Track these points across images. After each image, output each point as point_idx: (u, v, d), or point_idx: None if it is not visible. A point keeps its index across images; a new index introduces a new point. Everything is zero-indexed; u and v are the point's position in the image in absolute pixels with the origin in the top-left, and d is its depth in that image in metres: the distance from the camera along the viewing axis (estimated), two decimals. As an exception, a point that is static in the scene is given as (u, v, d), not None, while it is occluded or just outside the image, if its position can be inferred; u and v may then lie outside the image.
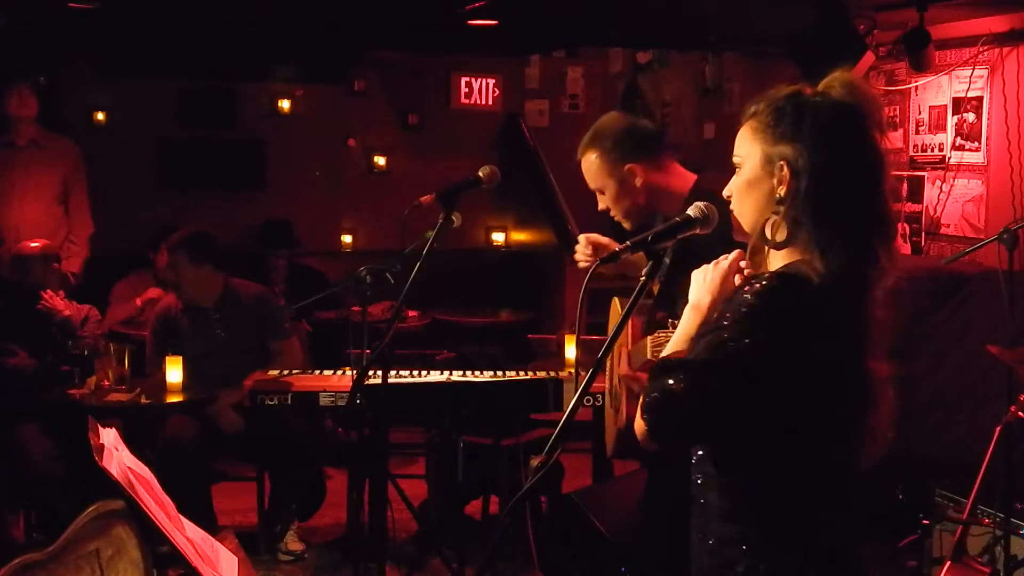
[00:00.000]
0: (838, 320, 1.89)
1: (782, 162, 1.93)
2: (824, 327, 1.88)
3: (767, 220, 1.96)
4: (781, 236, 1.94)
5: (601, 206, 3.21)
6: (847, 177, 1.91)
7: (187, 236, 5.22)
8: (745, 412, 1.88)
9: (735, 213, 2.03)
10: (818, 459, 1.95)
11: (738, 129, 2.04)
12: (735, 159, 2.02)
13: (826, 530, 1.97)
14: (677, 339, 2.02)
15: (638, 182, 3.12)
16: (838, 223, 1.90)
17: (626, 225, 3.20)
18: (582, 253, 3.44)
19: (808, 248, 1.91)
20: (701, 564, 2.02)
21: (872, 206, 1.94)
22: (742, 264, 2.04)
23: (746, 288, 1.91)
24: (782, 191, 1.93)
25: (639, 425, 1.91)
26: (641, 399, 1.90)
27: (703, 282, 2.05)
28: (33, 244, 5.49)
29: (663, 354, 2.01)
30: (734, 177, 2.02)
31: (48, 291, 5.35)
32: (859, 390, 1.93)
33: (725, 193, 2.06)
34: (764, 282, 1.88)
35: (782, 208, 1.93)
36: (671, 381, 1.84)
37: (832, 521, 1.98)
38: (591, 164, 3.16)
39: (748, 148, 1.99)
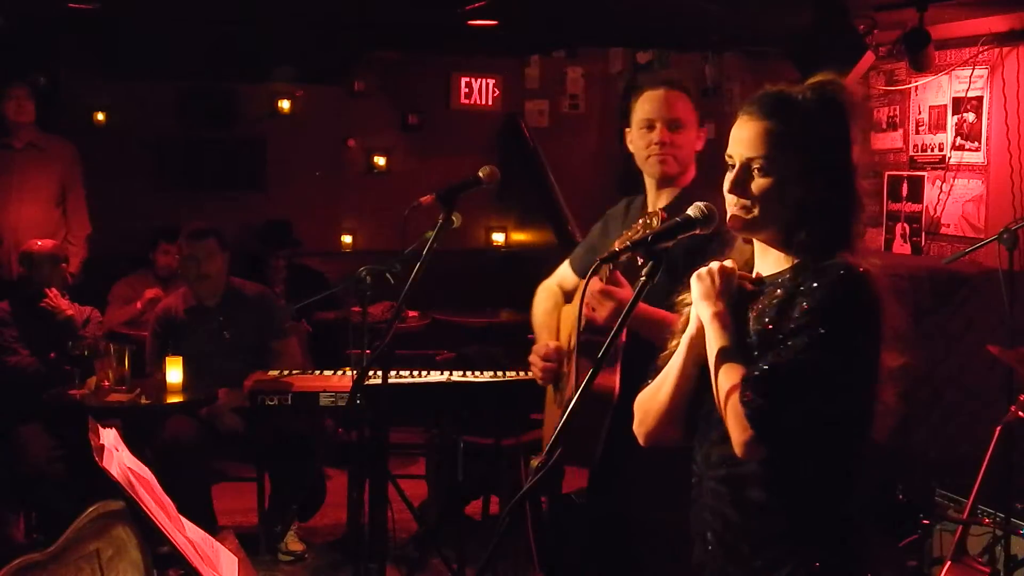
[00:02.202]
0: (880, 305, 1.96)
1: (808, 166, 1.98)
2: (877, 313, 1.95)
3: (794, 222, 2.00)
4: (808, 236, 1.99)
5: (662, 138, 3.08)
6: (860, 178, 2.03)
7: (208, 225, 5.19)
8: (834, 405, 1.93)
9: (753, 213, 2.03)
10: (856, 445, 2.00)
11: (733, 122, 2.06)
12: (756, 163, 2.01)
13: (853, 518, 2.02)
14: (715, 350, 2.00)
15: (700, 143, 3.17)
16: (855, 221, 2.02)
17: (661, 169, 3.09)
18: (538, 368, 3.24)
19: (835, 245, 1.99)
20: (743, 563, 2.02)
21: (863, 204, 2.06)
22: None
23: (804, 286, 1.95)
24: (809, 194, 1.98)
25: (740, 437, 1.93)
26: (740, 415, 1.91)
27: (712, 287, 2.05)
28: (43, 243, 5.48)
29: (721, 366, 1.99)
30: (761, 179, 2.01)
31: (53, 289, 5.34)
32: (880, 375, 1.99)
33: (725, 189, 2.06)
34: (834, 276, 1.93)
35: (808, 210, 1.99)
36: (771, 392, 1.89)
37: (854, 509, 2.02)
38: (683, 100, 3.15)
39: (774, 153, 2.00)
